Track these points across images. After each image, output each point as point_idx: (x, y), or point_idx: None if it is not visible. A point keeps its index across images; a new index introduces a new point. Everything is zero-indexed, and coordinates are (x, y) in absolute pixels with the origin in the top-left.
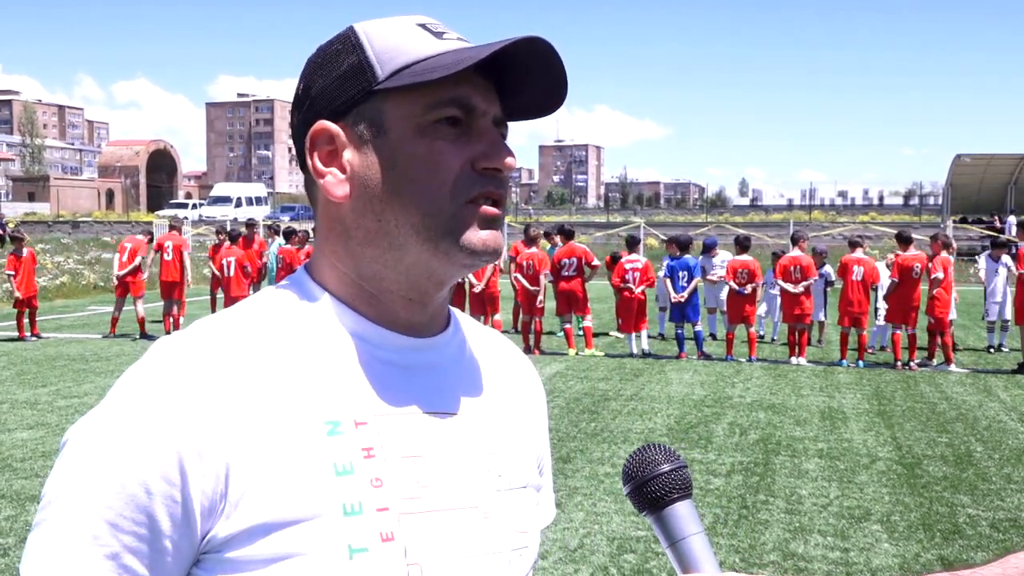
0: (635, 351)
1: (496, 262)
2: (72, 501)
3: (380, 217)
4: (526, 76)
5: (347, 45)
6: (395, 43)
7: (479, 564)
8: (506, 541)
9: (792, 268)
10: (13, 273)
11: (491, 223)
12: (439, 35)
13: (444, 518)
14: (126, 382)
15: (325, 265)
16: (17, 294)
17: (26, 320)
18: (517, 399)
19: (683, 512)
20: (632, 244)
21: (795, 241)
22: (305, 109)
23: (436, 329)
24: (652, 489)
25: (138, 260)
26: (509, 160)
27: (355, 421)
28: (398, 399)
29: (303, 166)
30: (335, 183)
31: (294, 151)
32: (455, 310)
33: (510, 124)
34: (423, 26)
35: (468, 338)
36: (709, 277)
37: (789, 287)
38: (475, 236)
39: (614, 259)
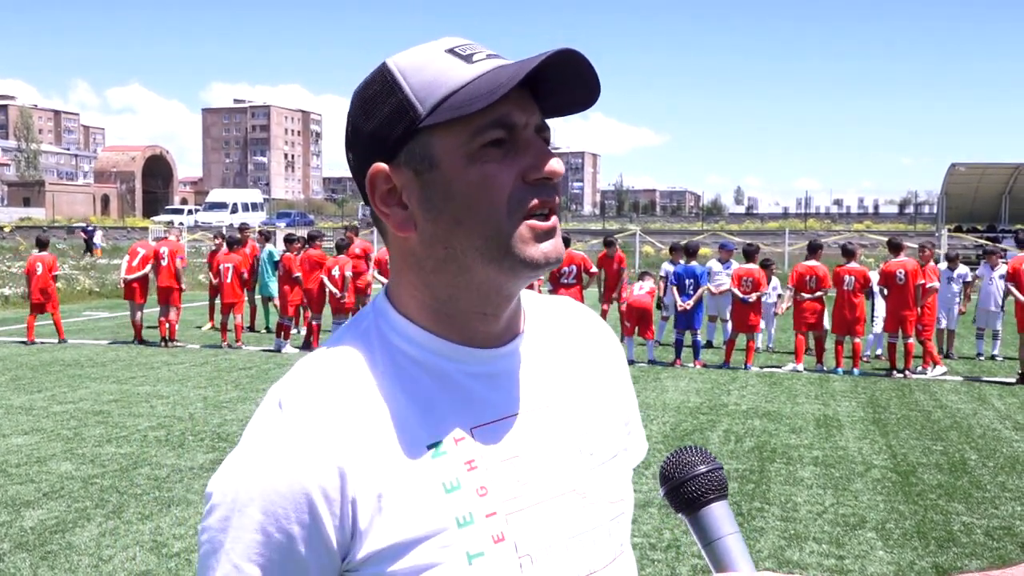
0: (632, 356)
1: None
2: (228, 551)
3: (447, 245)
4: (560, 82)
5: (385, 86)
6: (430, 76)
7: (581, 541)
8: (603, 514)
9: (808, 278)
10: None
11: (548, 234)
12: (469, 58)
13: (545, 508)
14: (252, 436)
15: (404, 295)
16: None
17: (37, 323)
18: (597, 368)
19: (719, 513)
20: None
21: (813, 250)
22: (359, 151)
23: (513, 334)
24: (689, 490)
25: (148, 268)
26: (555, 166)
27: (455, 439)
28: (490, 408)
29: (367, 203)
30: (399, 220)
31: (288, 158)
32: (523, 294)
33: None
34: (452, 51)
35: (542, 326)
36: (712, 287)
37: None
38: (536, 251)
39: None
